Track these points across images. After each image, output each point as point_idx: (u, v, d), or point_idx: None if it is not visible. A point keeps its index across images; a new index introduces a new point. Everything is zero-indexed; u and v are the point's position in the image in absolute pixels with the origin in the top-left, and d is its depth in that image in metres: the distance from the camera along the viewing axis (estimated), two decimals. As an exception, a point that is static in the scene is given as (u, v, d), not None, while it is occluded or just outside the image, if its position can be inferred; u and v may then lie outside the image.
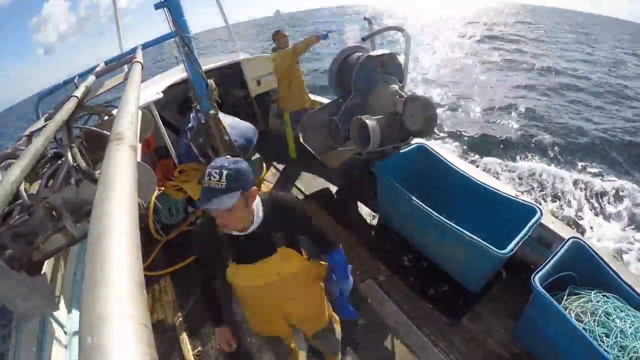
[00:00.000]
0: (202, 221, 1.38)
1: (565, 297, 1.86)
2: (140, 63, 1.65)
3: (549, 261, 1.84)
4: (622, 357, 1.60)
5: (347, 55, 3.42)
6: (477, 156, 6.68)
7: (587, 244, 1.91)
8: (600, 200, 5.35)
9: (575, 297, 1.83)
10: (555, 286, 1.87)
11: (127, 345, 0.25)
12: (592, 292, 1.81)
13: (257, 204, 1.27)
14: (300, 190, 3.79)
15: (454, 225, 2.20)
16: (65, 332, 2.31)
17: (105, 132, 1.65)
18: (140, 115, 1.53)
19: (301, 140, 3.54)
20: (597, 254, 1.88)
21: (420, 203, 2.41)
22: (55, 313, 1.27)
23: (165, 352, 2.39)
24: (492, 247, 1.98)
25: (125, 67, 2.52)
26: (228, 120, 3.71)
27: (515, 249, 1.96)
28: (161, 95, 3.45)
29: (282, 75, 3.95)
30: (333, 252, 1.48)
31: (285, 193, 1.45)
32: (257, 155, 4.18)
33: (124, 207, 0.41)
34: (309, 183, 3.95)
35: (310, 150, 3.61)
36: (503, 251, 1.94)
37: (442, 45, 20.28)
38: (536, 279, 1.73)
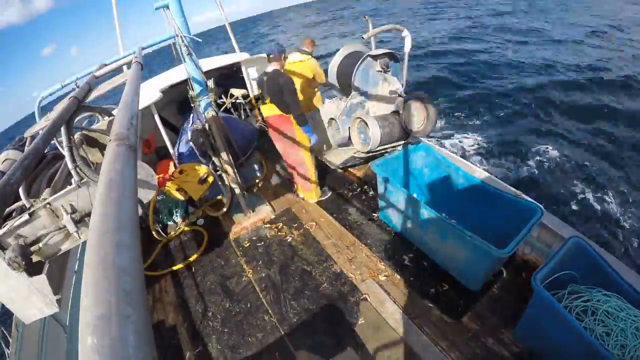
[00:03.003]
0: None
1: (565, 296, 1.86)
2: (140, 63, 1.65)
3: (549, 260, 1.84)
4: (623, 356, 1.60)
5: (347, 55, 3.42)
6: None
7: (587, 243, 1.91)
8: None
9: (576, 296, 1.84)
10: (556, 285, 1.87)
11: (127, 345, 0.25)
12: (593, 291, 1.81)
13: None
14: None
15: (455, 224, 2.20)
16: (65, 332, 2.32)
17: (105, 132, 1.66)
18: (140, 116, 1.53)
19: None
20: (597, 252, 1.88)
21: (421, 202, 2.41)
22: (55, 313, 1.27)
23: (166, 352, 2.39)
24: (492, 246, 1.98)
25: (125, 67, 2.53)
26: (228, 121, 3.72)
27: (515, 248, 1.96)
28: (161, 95, 3.46)
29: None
30: None
31: None
32: (257, 155, 4.18)
33: (124, 207, 0.41)
34: None
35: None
36: (503, 250, 1.94)
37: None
38: (537, 278, 1.73)
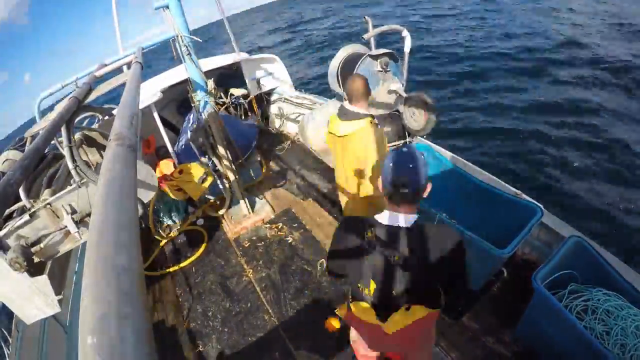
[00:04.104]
0: None
1: (566, 295, 1.86)
2: (141, 63, 1.65)
3: (549, 260, 1.84)
4: (623, 355, 1.60)
5: (347, 55, 3.42)
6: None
7: (587, 243, 1.91)
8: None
9: (576, 295, 1.84)
10: (556, 285, 1.87)
11: (127, 345, 0.25)
12: (593, 290, 1.81)
13: None
14: (300, 190, 3.80)
15: (455, 224, 2.20)
16: (65, 332, 2.32)
17: (105, 132, 1.66)
18: (140, 116, 1.54)
19: (301, 140, 3.54)
20: (597, 252, 1.87)
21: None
22: (55, 313, 1.28)
23: (165, 352, 2.40)
24: (492, 246, 1.98)
25: (125, 67, 2.53)
26: (228, 120, 3.73)
27: (515, 248, 1.96)
28: (161, 95, 3.46)
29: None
30: None
31: None
32: (257, 155, 4.18)
33: (124, 207, 0.41)
34: (307, 182, 3.95)
35: (310, 149, 3.62)
36: (504, 250, 1.94)
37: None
38: (537, 278, 1.73)
